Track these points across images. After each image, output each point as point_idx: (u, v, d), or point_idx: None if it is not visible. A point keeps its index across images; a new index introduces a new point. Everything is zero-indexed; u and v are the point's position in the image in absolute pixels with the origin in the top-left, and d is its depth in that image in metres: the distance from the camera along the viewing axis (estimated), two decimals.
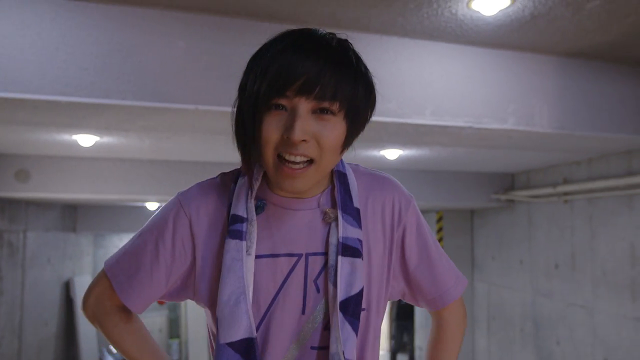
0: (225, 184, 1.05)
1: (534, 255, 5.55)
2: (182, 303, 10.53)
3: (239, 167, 1.05)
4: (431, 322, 1.21)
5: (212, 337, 1.07)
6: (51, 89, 2.34)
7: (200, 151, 4.49)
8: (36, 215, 6.24)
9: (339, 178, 1.04)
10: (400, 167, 5.30)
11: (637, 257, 4.15)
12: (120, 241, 9.79)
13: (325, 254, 1.00)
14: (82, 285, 7.88)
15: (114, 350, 8.88)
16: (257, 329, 0.97)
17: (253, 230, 0.97)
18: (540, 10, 2.48)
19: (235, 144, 0.96)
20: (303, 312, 0.98)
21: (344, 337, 0.94)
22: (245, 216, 0.98)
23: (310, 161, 0.91)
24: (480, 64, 2.96)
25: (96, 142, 3.96)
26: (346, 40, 0.95)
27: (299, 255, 0.99)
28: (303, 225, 1.00)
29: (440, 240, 7.09)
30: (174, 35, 2.51)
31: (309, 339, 0.99)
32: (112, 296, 1.04)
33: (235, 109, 0.95)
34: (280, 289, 0.98)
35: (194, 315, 9.45)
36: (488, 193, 5.88)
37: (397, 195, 1.07)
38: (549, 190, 5.05)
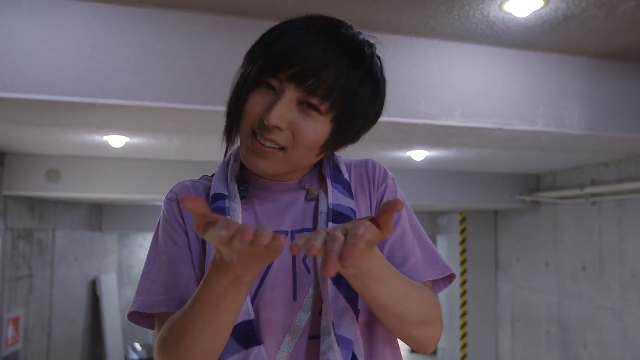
0: (206, 181, 0.98)
1: (560, 257, 5.49)
2: None
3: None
4: None
5: None
6: (87, 92, 2.39)
7: None
8: (64, 215, 6.35)
9: (326, 156, 0.94)
10: (425, 168, 5.29)
11: None
12: (144, 240, 9.89)
13: (315, 229, 0.88)
14: (107, 284, 7.99)
15: (139, 349, 8.99)
16: None
17: (237, 207, 0.89)
18: (574, 12, 2.46)
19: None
20: (295, 298, 0.85)
21: (337, 310, 0.81)
22: (226, 193, 0.90)
23: (282, 148, 0.83)
24: (510, 66, 2.94)
25: (126, 143, 4.02)
26: (373, 45, 0.86)
27: (285, 233, 0.89)
28: (287, 205, 0.91)
29: (463, 241, 7.04)
30: (206, 38, 2.54)
31: (304, 329, 0.85)
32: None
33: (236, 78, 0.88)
34: (266, 273, 0.86)
35: None
36: (513, 194, 5.83)
37: (377, 168, 0.97)
38: (577, 192, 4.99)
